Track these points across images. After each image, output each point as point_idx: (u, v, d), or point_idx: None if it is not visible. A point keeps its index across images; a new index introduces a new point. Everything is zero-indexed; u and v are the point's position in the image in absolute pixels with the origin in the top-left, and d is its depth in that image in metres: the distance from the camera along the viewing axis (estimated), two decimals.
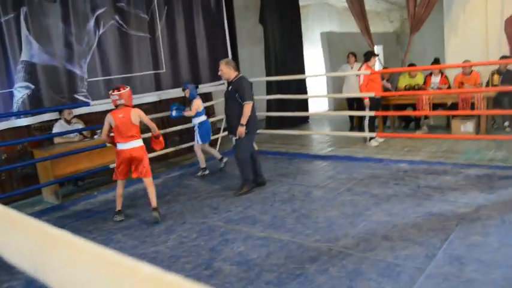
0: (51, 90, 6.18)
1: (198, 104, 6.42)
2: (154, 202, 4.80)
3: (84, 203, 5.76)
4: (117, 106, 4.72)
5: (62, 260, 0.69)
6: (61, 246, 0.71)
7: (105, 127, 4.73)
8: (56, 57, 6.20)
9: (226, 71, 5.41)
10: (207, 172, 6.57)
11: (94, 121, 6.64)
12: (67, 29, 6.28)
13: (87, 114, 6.60)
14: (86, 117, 6.56)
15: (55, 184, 5.75)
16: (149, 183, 4.83)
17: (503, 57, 7.47)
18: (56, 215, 5.38)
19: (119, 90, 4.67)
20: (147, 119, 4.90)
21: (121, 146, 4.71)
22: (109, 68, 6.83)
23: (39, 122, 6.16)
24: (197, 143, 6.49)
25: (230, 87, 5.42)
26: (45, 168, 5.71)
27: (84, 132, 6.33)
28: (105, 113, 6.77)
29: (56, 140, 6.10)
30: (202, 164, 6.58)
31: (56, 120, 6.16)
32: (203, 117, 6.50)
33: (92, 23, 6.56)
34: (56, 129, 6.04)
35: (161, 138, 5.20)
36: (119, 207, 4.95)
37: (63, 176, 5.80)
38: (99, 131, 6.27)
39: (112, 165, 6.15)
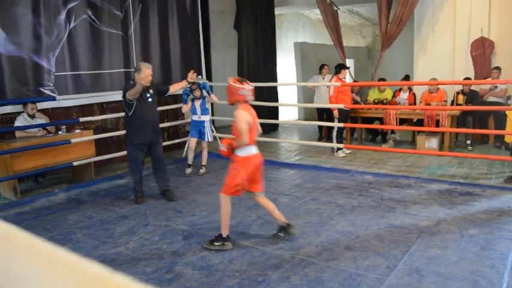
0: (15, 82, 5.97)
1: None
2: (282, 218, 4.01)
3: (43, 200, 5.57)
4: (233, 103, 3.88)
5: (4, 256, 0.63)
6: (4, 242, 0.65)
7: (245, 127, 3.69)
8: (23, 48, 6.01)
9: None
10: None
11: (59, 116, 6.46)
12: (36, 20, 6.10)
13: (51, 108, 6.41)
14: (51, 112, 6.38)
15: (14, 179, 5.54)
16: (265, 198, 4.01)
17: (466, 79, 7.75)
18: (13, 211, 5.18)
19: (244, 83, 3.80)
20: None
21: (253, 150, 3.85)
22: (78, 63, 6.66)
23: (1, 114, 5.93)
24: (207, 139, 6.58)
25: (151, 91, 5.14)
26: (5, 162, 5.48)
27: (48, 128, 6.14)
28: (70, 108, 6.67)
29: (18, 133, 5.88)
30: (205, 162, 6.72)
31: (19, 113, 5.95)
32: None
33: (63, 15, 6.40)
34: (18, 123, 5.83)
35: None
36: (226, 230, 3.89)
37: (23, 171, 5.59)
38: (63, 126, 6.12)
39: (76, 163, 6.01)
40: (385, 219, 4.46)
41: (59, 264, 0.59)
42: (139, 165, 5.30)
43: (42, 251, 0.63)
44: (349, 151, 7.55)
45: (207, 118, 6.61)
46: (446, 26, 8.73)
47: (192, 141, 6.60)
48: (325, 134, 8.88)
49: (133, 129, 5.09)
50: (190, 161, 6.61)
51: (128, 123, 5.18)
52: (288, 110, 12.46)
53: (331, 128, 7.93)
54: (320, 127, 9.04)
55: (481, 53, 8.30)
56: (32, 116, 5.92)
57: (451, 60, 8.68)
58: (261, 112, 9.14)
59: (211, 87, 8.21)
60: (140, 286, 0.54)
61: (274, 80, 10.33)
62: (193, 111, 6.60)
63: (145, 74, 4.91)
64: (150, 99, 5.12)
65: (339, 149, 7.41)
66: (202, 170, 6.61)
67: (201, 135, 6.58)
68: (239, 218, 4.65)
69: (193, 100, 6.55)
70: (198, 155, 6.89)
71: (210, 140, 6.62)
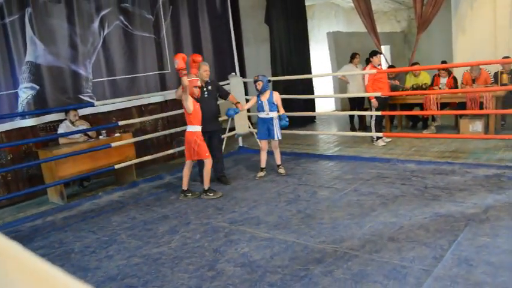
0: (56, 91, 6.18)
1: (279, 96, 6.01)
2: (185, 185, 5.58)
3: (89, 203, 5.74)
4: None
5: None
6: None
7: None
8: (61, 58, 6.20)
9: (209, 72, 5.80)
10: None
11: (99, 121, 6.64)
12: (72, 30, 6.28)
13: (91, 114, 6.59)
14: (91, 118, 6.55)
15: (60, 184, 5.74)
16: None
17: (506, 57, 7.33)
18: (60, 215, 5.37)
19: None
20: None
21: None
22: (114, 69, 6.82)
23: (44, 123, 6.16)
24: (277, 138, 5.95)
25: (210, 87, 5.81)
26: (50, 168, 5.69)
27: (89, 133, 6.32)
28: (110, 113, 6.83)
29: (61, 140, 6.08)
30: (279, 161, 6.16)
31: (61, 120, 6.15)
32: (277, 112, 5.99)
33: (96, 23, 6.55)
34: (61, 130, 6.03)
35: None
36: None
37: (68, 176, 5.78)
38: (103, 131, 6.28)
39: (117, 166, 6.15)
40: (430, 208, 4.31)
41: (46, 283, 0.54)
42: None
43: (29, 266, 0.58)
44: (389, 139, 7.37)
45: (275, 114, 5.92)
46: (485, 2, 8.33)
47: (263, 143, 6.10)
48: (362, 125, 8.70)
49: None
50: (263, 164, 6.10)
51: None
52: (325, 101, 12.29)
53: (365, 118, 7.78)
54: (351, 118, 8.87)
55: None
56: (74, 123, 6.09)
57: (492, 39, 8.27)
58: (296, 105, 9.10)
59: (245, 84, 8.19)
60: None
61: (309, 72, 10.20)
62: (260, 107, 5.93)
63: (203, 69, 5.71)
64: (206, 95, 5.71)
65: (378, 137, 7.24)
66: (282, 170, 6.10)
67: (269, 133, 5.95)
68: (279, 212, 4.63)
69: (258, 95, 5.94)
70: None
71: (279, 138, 5.97)
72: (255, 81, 5.90)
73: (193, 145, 5.26)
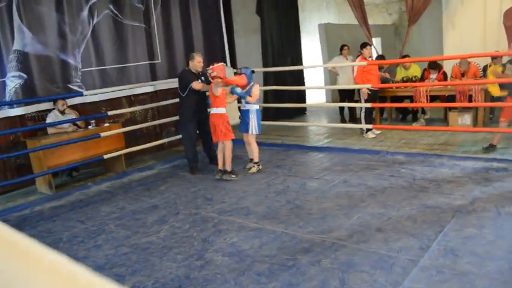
0: (44, 80, 6.11)
1: (258, 89, 5.77)
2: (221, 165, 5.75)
3: (77, 193, 5.71)
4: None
5: None
6: None
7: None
8: (49, 47, 6.12)
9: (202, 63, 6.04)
10: (261, 167, 5.95)
11: (88, 112, 6.58)
12: (60, 18, 6.20)
13: (80, 104, 6.53)
14: (80, 108, 6.50)
15: (49, 174, 5.69)
16: None
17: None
18: (49, 205, 5.33)
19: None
20: None
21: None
22: (103, 58, 6.74)
23: (33, 112, 6.09)
24: (252, 133, 5.78)
25: (203, 78, 6.00)
26: (39, 158, 5.64)
27: (78, 123, 6.26)
28: (99, 103, 6.77)
29: (50, 130, 6.02)
30: (256, 158, 5.92)
31: (50, 110, 6.08)
32: (257, 105, 5.84)
33: (85, 12, 6.47)
34: (49, 120, 5.96)
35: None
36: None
37: (56, 166, 5.73)
38: (92, 121, 6.23)
39: (107, 156, 6.11)
40: (418, 200, 4.35)
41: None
42: (194, 139, 6.17)
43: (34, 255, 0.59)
44: (379, 132, 7.40)
45: (253, 107, 5.73)
46: None
47: (244, 136, 5.97)
48: (352, 117, 8.71)
49: (187, 108, 6.00)
50: (249, 155, 6.05)
51: (182, 104, 6.10)
52: (316, 93, 12.30)
53: (354, 110, 7.77)
54: (341, 110, 8.88)
55: None
56: (63, 112, 6.03)
57: (482, 33, 8.32)
58: (287, 96, 9.10)
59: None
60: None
61: (300, 63, 10.19)
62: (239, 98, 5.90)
63: (197, 60, 5.95)
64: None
65: (368, 129, 7.27)
66: (253, 169, 5.86)
67: (246, 127, 5.79)
68: (268, 203, 4.64)
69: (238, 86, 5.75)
70: None
71: (255, 132, 5.78)
72: (238, 74, 5.78)
73: (221, 127, 5.49)
